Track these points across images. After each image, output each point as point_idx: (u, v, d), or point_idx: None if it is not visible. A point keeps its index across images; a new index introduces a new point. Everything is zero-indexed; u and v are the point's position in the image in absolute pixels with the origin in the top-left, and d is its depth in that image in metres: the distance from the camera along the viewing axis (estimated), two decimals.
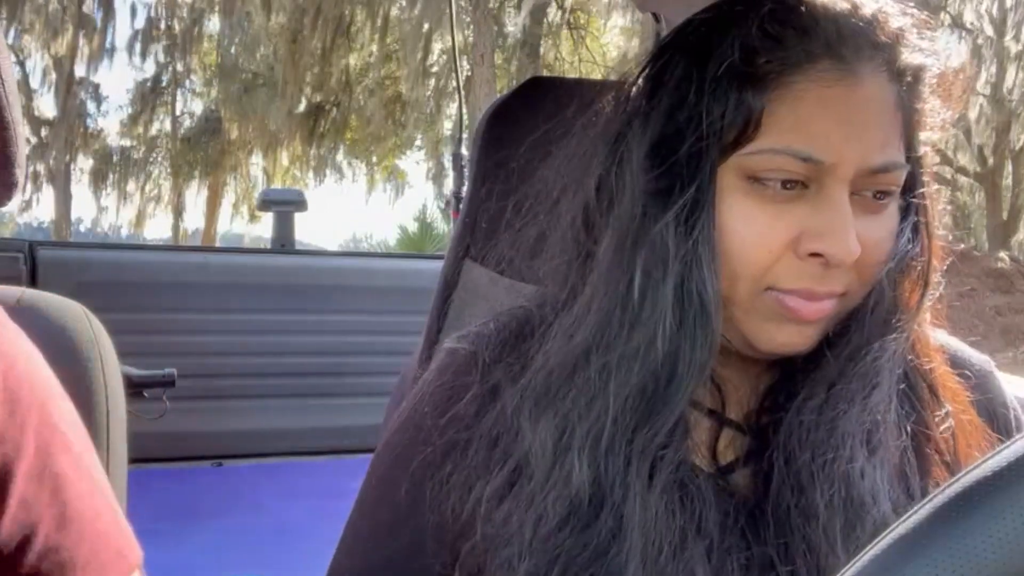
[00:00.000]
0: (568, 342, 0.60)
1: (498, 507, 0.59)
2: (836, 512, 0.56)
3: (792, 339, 0.59)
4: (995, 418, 0.66)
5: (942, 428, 0.62)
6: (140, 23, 14.68)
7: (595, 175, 0.63)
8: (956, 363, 0.67)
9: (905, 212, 0.61)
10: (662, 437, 0.57)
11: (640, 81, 0.63)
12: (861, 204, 0.57)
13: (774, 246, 0.57)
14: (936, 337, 0.67)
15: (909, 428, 0.61)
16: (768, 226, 0.57)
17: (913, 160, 0.60)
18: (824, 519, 0.56)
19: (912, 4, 0.61)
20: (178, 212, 16.18)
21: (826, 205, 0.56)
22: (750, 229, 0.57)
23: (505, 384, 0.63)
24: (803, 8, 0.58)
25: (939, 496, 0.28)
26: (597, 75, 12.70)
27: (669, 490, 0.57)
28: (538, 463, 0.58)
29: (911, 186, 0.61)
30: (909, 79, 0.59)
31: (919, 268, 0.62)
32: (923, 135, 0.61)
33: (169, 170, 16.26)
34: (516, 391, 0.61)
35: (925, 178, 0.63)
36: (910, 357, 0.63)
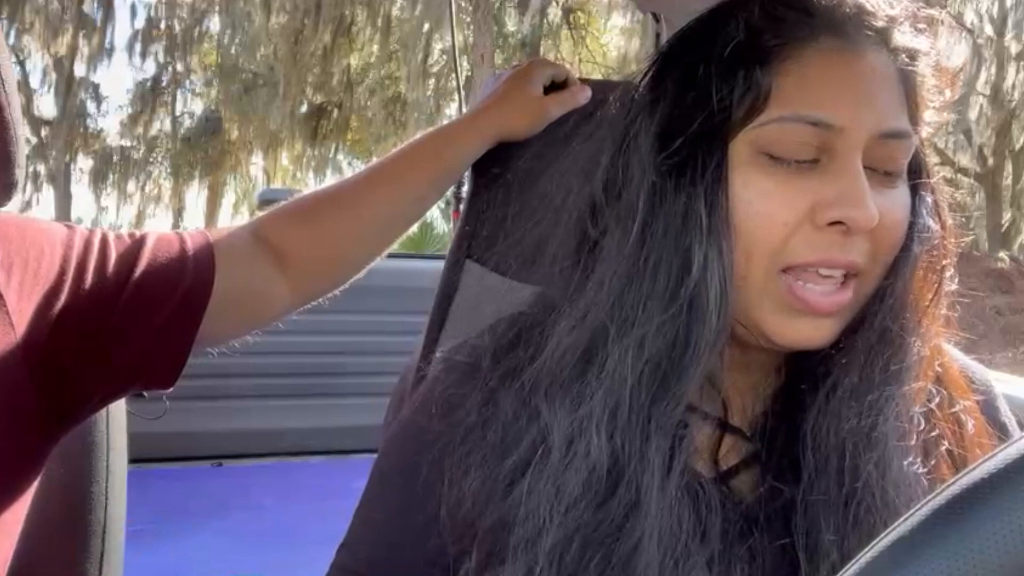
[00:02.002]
0: (581, 322, 0.60)
1: (517, 484, 0.59)
2: (878, 505, 0.56)
3: (807, 334, 0.58)
4: (995, 430, 0.66)
5: (954, 425, 0.62)
6: (140, 23, 14.70)
7: (601, 170, 0.64)
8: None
9: (915, 195, 0.61)
10: (679, 413, 0.58)
11: (645, 79, 0.64)
12: (874, 178, 0.58)
13: (789, 219, 0.57)
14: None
15: (929, 423, 0.60)
16: (783, 199, 0.57)
17: (919, 139, 0.61)
18: (864, 513, 0.56)
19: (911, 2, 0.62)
20: (178, 212, 16.19)
21: (841, 173, 0.56)
22: (764, 204, 0.57)
23: (511, 373, 0.63)
24: None
25: (938, 497, 0.28)
26: (597, 75, 12.71)
27: (690, 484, 0.58)
28: (556, 439, 0.58)
29: (916, 168, 0.62)
30: (906, 58, 0.60)
31: (937, 248, 0.62)
32: (925, 114, 0.62)
33: (169, 170, 16.27)
34: (531, 373, 0.61)
35: (932, 160, 0.63)
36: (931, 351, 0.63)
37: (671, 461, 0.57)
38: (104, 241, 0.81)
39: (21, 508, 0.78)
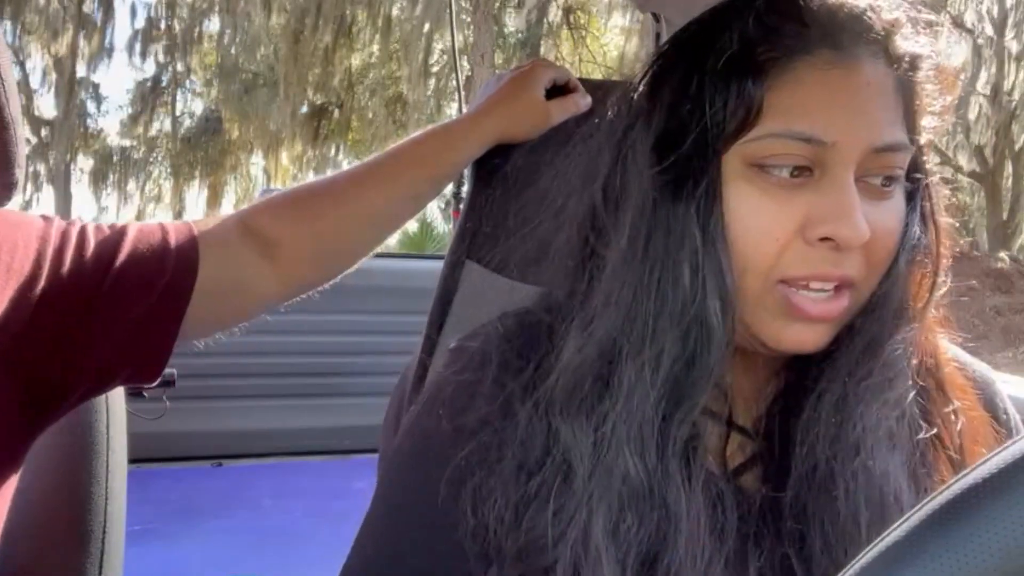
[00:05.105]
0: (589, 339, 0.60)
1: (543, 509, 0.58)
2: (858, 511, 0.56)
3: (801, 338, 0.59)
4: (997, 426, 0.66)
5: (951, 425, 0.62)
6: (140, 23, 14.71)
7: (601, 177, 0.63)
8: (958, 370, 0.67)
9: (911, 200, 0.61)
10: (688, 425, 0.58)
11: (642, 85, 0.63)
12: (868, 190, 0.57)
13: (780, 234, 0.57)
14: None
15: (923, 425, 0.61)
16: (774, 214, 0.57)
17: (915, 146, 0.60)
18: (843, 516, 0.56)
19: (910, 2, 0.61)
20: (178, 212, 16.19)
21: (831, 188, 0.56)
22: (756, 219, 0.57)
23: (524, 388, 0.62)
24: (799, 1, 0.58)
25: (933, 502, 0.28)
26: (597, 75, 12.70)
27: (706, 484, 0.58)
28: (580, 461, 0.58)
29: (915, 173, 0.61)
30: (906, 66, 0.59)
31: (930, 256, 0.62)
32: (924, 120, 0.61)
33: (169, 170, 16.27)
34: (544, 390, 0.61)
35: (929, 165, 0.63)
36: (921, 355, 0.63)
37: (690, 468, 0.58)
38: (83, 232, 0.80)
39: (3, 503, 0.77)
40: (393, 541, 0.65)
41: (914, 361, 0.61)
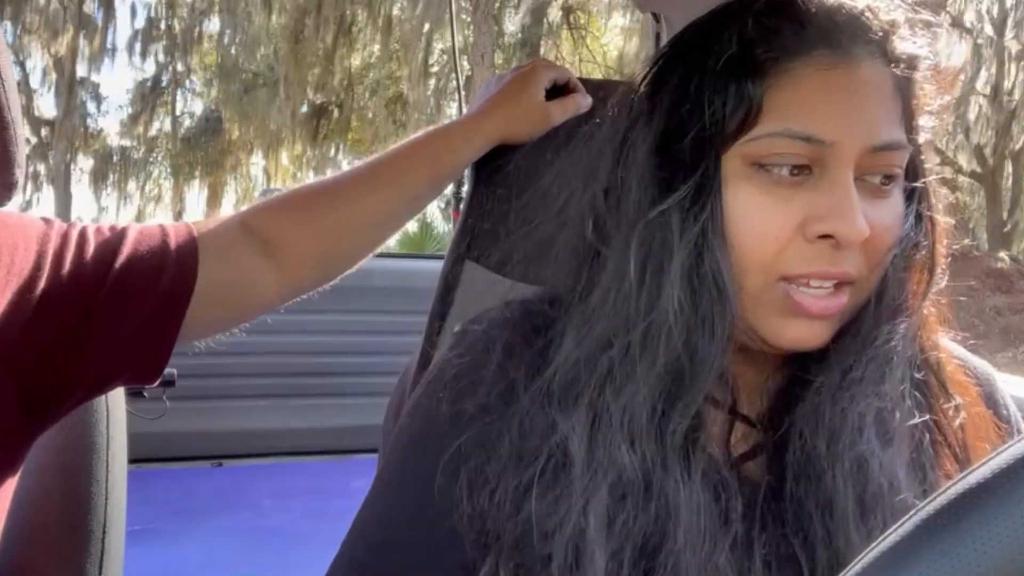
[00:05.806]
0: (588, 333, 0.61)
1: (541, 499, 0.58)
2: (854, 501, 0.57)
3: (802, 335, 0.59)
4: (999, 421, 0.66)
5: (953, 421, 0.63)
6: (140, 23, 14.71)
7: (602, 177, 0.64)
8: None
9: (908, 199, 0.62)
10: (686, 421, 0.58)
11: (642, 86, 0.64)
12: (867, 188, 0.58)
13: (781, 233, 0.57)
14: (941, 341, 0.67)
15: (922, 418, 0.61)
16: (774, 212, 0.57)
17: (913, 145, 0.61)
18: (841, 506, 0.57)
19: (909, 2, 0.62)
20: (178, 213, 16.19)
21: (831, 187, 0.57)
22: (756, 217, 0.58)
23: (525, 378, 0.63)
24: (798, 2, 0.59)
25: (925, 508, 0.28)
26: (597, 75, 12.70)
27: (707, 473, 0.58)
28: (577, 452, 0.58)
29: (913, 173, 0.62)
30: (904, 66, 0.60)
31: (925, 252, 0.62)
32: (922, 120, 0.62)
33: (169, 170, 16.28)
34: (542, 382, 0.61)
35: (927, 164, 0.63)
36: (920, 351, 0.64)
37: (689, 460, 0.58)
38: (83, 234, 0.80)
39: (3, 503, 0.77)
40: (390, 523, 0.66)
41: (909, 353, 0.61)
